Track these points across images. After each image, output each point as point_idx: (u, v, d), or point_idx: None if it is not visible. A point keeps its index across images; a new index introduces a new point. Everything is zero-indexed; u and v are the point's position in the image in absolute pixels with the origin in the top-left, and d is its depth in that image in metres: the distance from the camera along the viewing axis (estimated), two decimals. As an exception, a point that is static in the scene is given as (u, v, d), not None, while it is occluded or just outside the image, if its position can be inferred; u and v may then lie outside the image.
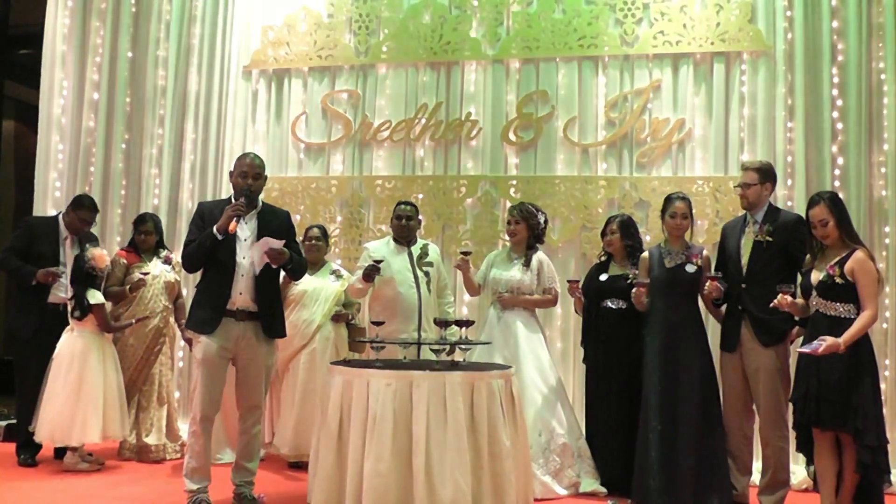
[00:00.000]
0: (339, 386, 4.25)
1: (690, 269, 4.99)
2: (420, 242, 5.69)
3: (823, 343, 4.08)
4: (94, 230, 6.22)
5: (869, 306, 4.18)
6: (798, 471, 5.48)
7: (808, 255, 4.49)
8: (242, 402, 4.70)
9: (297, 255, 4.76)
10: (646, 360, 4.98)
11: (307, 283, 5.78)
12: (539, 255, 5.59)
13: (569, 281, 5.46)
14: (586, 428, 5.38)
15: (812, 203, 4.44)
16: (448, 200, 6.80)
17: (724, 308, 5.02)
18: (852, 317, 4.22)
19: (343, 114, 7.08)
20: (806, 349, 4.15)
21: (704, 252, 5.13)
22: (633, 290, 5.03)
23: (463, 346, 4.45)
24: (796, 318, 4.68)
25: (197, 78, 7.31)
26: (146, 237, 6.12)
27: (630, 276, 5.23)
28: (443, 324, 4.62)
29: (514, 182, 6.71)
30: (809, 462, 4.46)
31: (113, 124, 7.41)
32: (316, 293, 5.82)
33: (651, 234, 6.30)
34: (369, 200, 6.95)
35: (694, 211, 5.22)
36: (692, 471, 4.72)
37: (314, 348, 5.72)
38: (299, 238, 5.79)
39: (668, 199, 5.12)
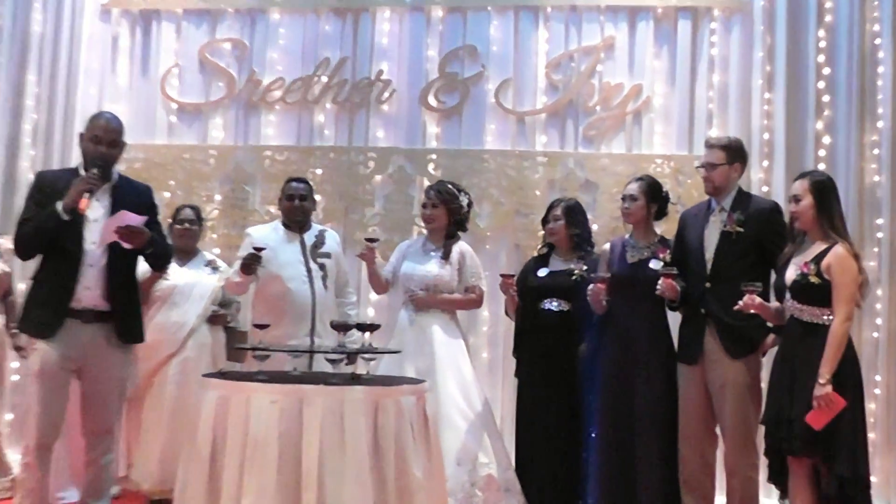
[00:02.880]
0: (212, 403, 4.13)
1: (655, 265, 5.03)
2: (316, 228, 5.67)
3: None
4: None
5: (838, 311, 4.24)
6: (770, 506, 5.60)
7: (786, 248, 4.56)
8: (90, 426, 4.61)
9: (159, 238, 4.72)
10: (594, 373, 5.06)
11: (178, 276, 5.75)
12: (461, 246, 5.61)
13: (502, 275, 5.42)
14: (516, 457, 5.39)
15: (796, 178, 4.55)
16: (353, 177, 6.80)
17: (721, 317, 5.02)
18: (829, 323, 4.26)
19: (225, 68, 7.06)
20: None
21: None
22: (591, 287, 5.04)
23: (367, 356, 4.45)
24: (770, 325, 4.74)
25: (41, 17, 7.13)
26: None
27: (576, 271, 5.28)
28: (342, 328, 4.58)
29: (434, 157, 6.72)
30: (783, 495, 4.53)
31: (-71, 74, 7.30)
32: (188, 289, 5.78)
33: (600, 223, 6.37)
34: (256, 176, 6.92)
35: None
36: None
37: (186, 357, 5.68)
38: (168, 220, 5.71)
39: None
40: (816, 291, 4.29)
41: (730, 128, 6.29)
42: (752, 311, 4.45)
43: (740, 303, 4.44)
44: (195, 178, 6.92)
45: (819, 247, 4.39)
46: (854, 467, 4.20)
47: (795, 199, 4.45)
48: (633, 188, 5.20)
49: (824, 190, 4.44)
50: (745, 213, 4.89)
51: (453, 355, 5.38)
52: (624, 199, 5.21)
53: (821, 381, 4.15)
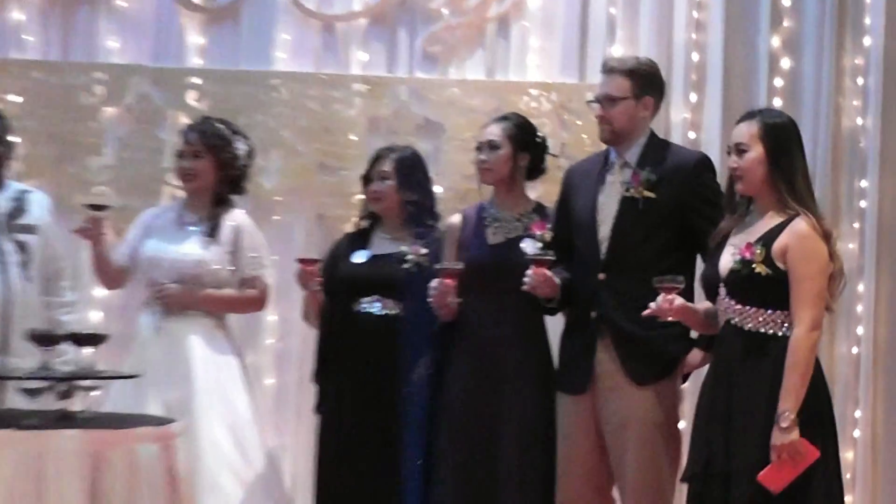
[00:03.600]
0: None
1: (530, 247, 5.04)
2: (12, 188, 5.64)
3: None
4: None
5: (800, 317, 4.28)
6: None
7: (723, 222, 4.60)
8: None
9: None
10: (437, 408, 5.20)
11: None
12: (236, 217, 5.65)
13: (299, 260, 5.45)
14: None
15: (740, 119, 4.58)
16: (70, 110, 6.68)
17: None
18: (785, 333, 4.31)
19: None
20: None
21: None
22: (434, 282, 5.11)
23: (86, 383, 4.40)
24: (693, 336, 4.84)
25: None
26: None
27: (410, 256, 5.34)
28: (47, 340, 4.52)
29: (197, 80, 6.69)
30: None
31: None
32: None
33: (447, 183, 6.40)
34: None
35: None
36: None
37: None
38: None
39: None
40: (765, 286, 4.32)
41: (640, 44, 6.41)
42: (669, 317, 4.49)
43: (652, 305, 4.46)
44: None
45: (771, 220, 4.40)
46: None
47: (738, 149, 4.46)
48: (494, 132, 5.26)
49: (782, 137, 4.46)
50: (658, 170, 4.93)
51: (221, 381, 5.41)
52: (480, 147, 5.27)
53: (783, 423, 4.15)
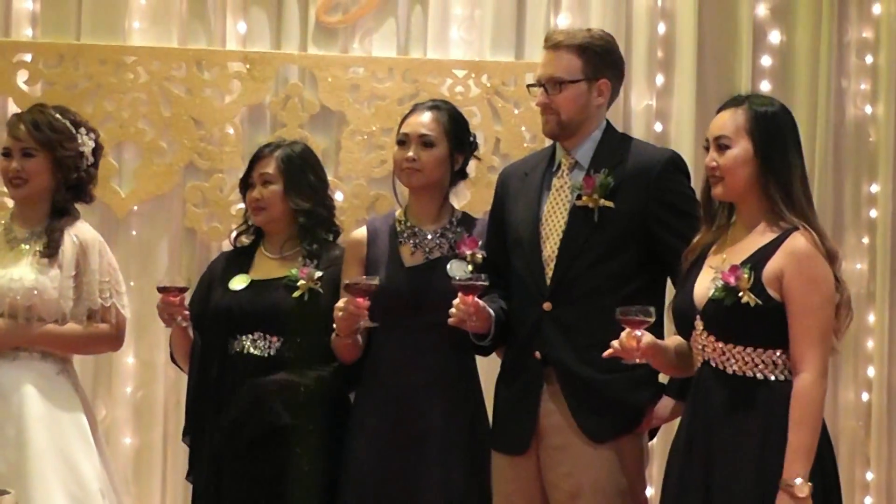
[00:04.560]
0: None
1: (457, 270, 4.93)
2: None
3: None
4: None
5: (807, 359, 4.13)
6: None
7: (696, 238, 4.45)
8: None
9: None
10: (341, 466, 5.11)
11: None
12: (81, 233, 5.45)
13: (161, 289, 5.26)
14: None
15: (721, 107, 4.42)
16: None
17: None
18: (779, 377, 4.17)
19: None
20: None
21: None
22: (340, 305, 4.94)
23: None
24: (662, 380, 4.75)
25: None
26: None
27: (301, 281, 5.20)
28: None
29: (27, 57, 6.56)
30: None
31: None
32: None
33: (348, 187, 6.44)
34: None
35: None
36: None
37: None
38: None
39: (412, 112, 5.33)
40: (753, 320, 4.17)
41: (592, 13, 6.40)
42: (636, 358, 4.30)
43: (614, 344, 4.27)
44: None
45: (760, 236, 4.25)
46: None
47: (719, 144, 4.30)
48: (427, 124, 5.17)
49: (774, 129, 4.31)
50: (617, 172, 4.79)
51: (63, 442, 5.24)
52: (404, 142, 5.15)
53: (798, 493, 4.00)
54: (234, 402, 5.25)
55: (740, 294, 4.13)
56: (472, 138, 5.28)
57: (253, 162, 5.41)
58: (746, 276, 4.14)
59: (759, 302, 4.12)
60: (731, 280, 4.15)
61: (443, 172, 5.15)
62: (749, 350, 4.17)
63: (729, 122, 4.32)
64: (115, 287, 5.43)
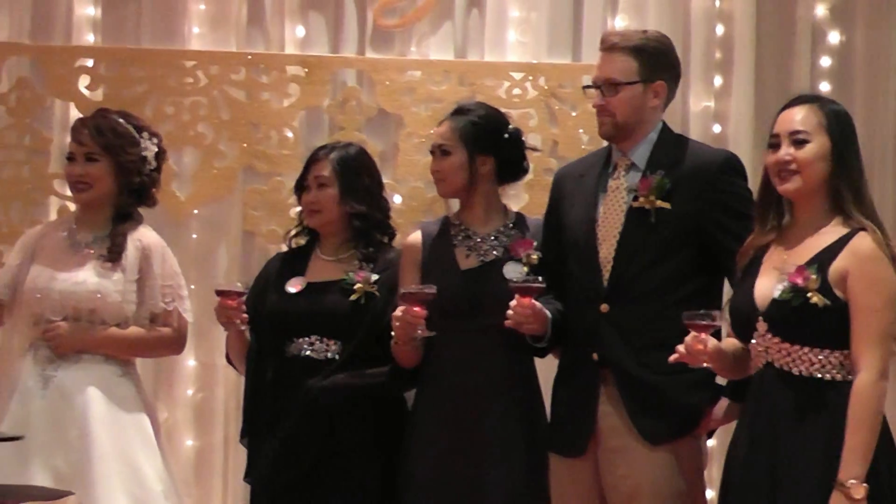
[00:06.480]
0: None
1: (514, 272, 4.89)
2: None
3: None
4: None
5: (866, 358, 4.08)
6: None
7: (750, 238, 4.40)
8: None
9: None
10: (400, 469, 5.10)
11: None
12: (144, 237, 5.47)
13: (219, 292, 5.28)
14: None
15: (788, 105, 4.33)
16: None
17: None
18: (847, 378, 4.11)
19: None
20: None
21: None
22: (398, 314, 4.89)
23: None
24: (720, 382, 4.68)
25: None
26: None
27: (358, 284, 5.19)
28: None
29: (90, 62, 6.61)
30: None
31: None
32: None
33: (404, 190, 6.45)
34: None
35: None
36: None
37: None
38: None
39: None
40: (821, 321, 4.12)
41: (649, 15, 6.41)
42: (702, 362, 4.30)
43: (680, 349, 4.25)
44: None
45: (825, 236, 4.20)
46: None
47: (796, 140, 4.25)
48: (443, 132, 5.17)
49: (849, 128, 4.30)
50: (673, 173, 4.77)
51: (125, 444, 5.27)
52: (433, 152, 5.18)
53: (855, 494, 3.95)
54: (291, 411, 5.29)
55: (808, 295, 4.10)
56: (507, 136, 5.23)
57: (308, 164, 5.44)
58: (814, 276, 4.12)
59: (828, 302, 4.10)
60: (799, 281, 4.13)
61: (464, 178, 5.15)
62: (816, 351, 4.15)
63: (807, 117, 4.27)
64: (178, 291, 5.49)
